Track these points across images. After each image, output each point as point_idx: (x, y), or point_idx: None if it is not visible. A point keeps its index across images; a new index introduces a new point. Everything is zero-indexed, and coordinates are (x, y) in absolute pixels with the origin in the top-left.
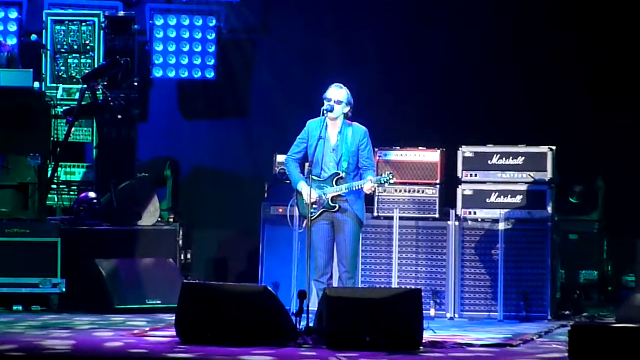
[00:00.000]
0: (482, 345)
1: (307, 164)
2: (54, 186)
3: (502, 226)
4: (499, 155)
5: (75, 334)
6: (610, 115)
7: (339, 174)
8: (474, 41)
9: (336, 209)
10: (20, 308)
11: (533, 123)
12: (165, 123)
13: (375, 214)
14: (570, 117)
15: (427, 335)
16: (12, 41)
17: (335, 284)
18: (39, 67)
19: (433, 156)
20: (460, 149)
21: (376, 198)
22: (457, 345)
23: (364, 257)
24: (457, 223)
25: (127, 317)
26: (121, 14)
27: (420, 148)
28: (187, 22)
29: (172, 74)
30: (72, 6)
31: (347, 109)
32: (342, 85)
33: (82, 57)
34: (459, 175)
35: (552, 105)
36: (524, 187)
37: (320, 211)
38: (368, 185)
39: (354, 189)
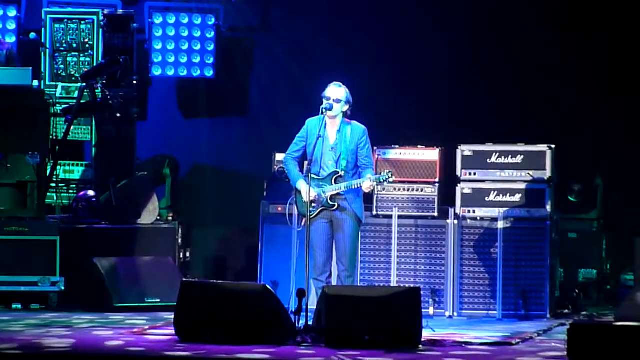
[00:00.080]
0: (481, 344)
1: (306, 163)
2: (53, 184)
3: (501, 225)
4: (497, 154)
5: (74, 332)
6: (609, 114)
7: (338, 173)
8: (474, 40)
9: (335, 207)
10: (19, 306)
11: (532, 121)
12: (164, 121)
13: (374, 213)
14: (569, 116)
15: (426, 334)
16: (10, 39)
17: (334, 282)
18: (38, 65)
19: (432, 155)
20: (459, 147)
21: (375, 196)
22: (456, 344)
23: (363, 256)
24: (456, 221)
25: (126, 315)
26: (120, 12)
27: (419, 146)
28: (185, 21)
29: (171, 72)
30: (71, 4)
31: (346, 108)
32: (340, 84)
33: (81, 55)
34: (458, 173)
35: (550, 104)
36: (522, 186)
37: (319, 209)
38: (367, 183)
39: (353, 187)
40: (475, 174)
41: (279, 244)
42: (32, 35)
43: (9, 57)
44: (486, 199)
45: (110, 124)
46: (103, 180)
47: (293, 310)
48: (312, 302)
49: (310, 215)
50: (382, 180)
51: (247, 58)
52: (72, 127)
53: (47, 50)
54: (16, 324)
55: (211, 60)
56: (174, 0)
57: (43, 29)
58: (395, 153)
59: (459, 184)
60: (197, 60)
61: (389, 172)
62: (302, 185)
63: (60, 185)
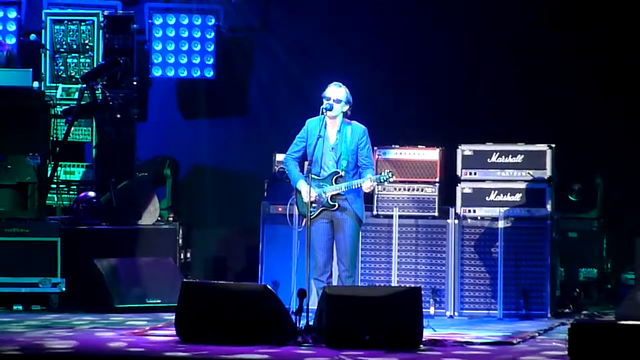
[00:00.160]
0: (481, 343)
1: (306, 163)
2: (54, 185)
3: (501, 224)
4: (498, 154)
5: (75, 334)
6: (608, 113)
7: (338, 173)
8: (474, 40)
9: (335, 207)
10: (20, 307)
11: (532, 121)
12: (164, 122)
13: (375, 213)
14: (569, 116)
15: (427, 334)
16: (11, 41)
17: (334, 282)
18: (38, 66)
19: (432, 154)
20: (460, 147)
21: (375, 196)
22: (457, 343)
23: (364, 256)
24: (456, 221)
25: (126, 316)
26: (120, 13)
27: (419, 146)
28: (185, 21)
29: (171, 73)
30: (71, 5)
31: (346, 108)
32: (341, 84)
33: (81, 56)
34: (458, 173)
35: (550, 104)
36: (523, 185)
37: (320, 210)
38: (367, 183)
39: (353, 187)
40: (475, 173)
41: (280, 244)
42: (32, 36)
43: (9, 58)
44: (486, 198)
45: (111, 125)
46: (103, 181)
47: (294, 311)
48: (313, 303)
49: (310, 216)
50: (382, 180)
51: (247, 58)
52: (72, 128)
53: (48, 52)
54: (17, 325)
55: (211, 61)
56: (174, 1)
57: (43, 30)
58: (396, 153)
59: (459, 184)
60: (197, 61)
61: (389, 172)
62: (302, 185)
63: (60, 186)
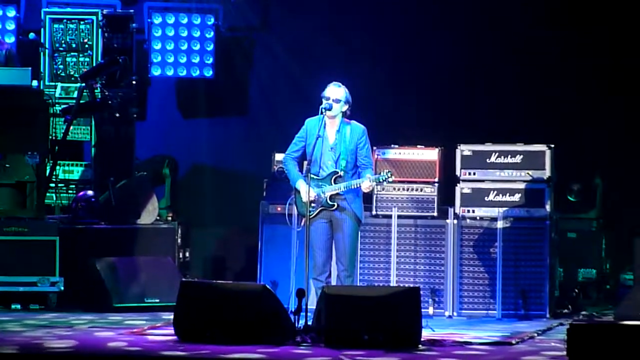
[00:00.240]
0: (480, 343)
1: (305, 163)
2: (52, 184)
3: (500, 224)
4: (497, 154)
5: (73, 333)
6: (608, 113)
7: (337, 173)
8: (473, 40)
9: (334, 207)
10: (19, 307)
11: (531, 121)
12: (163, 121)
13: (374, 212)
14: (568, 116)
15: (426, 334)
16: (10, 39)
17: (333, 282)
18: (37, 65)
19: (431, 154)
20: (459, 147)
21: (374, 196)
22: (456, 344)
23: (362, 256)
24: (455, 221)
25: (125, 315)
26: (119, 12)
27: (418, 146)
28: (185, 21)
29: (170, 73)
30: (70, 4)
31: (345, 108)
32: (340, 84)
33: (80, 55)
34: (457, 173)
35: (550, 104)
36: (522, 186)
37: (319, 209)
38: (366, 183)
39: (352, 187)
40: (474, 173)
41: (279, 244)
42: (32, 35)
43: (8, 57)
44: (485, 198)
45: (110, 124)
46: (102, 181)
47: (292, 310)
48: (312, 302)
49: (309, 215)
50: (381, 180)
51: (247, 58)
52: (71, 127)
53: (47, 51)
54: (15, 324)
55: (210, 60)
56: (173, 0)
57: (42, 29)
58: (395, 153)
59: (458, 184)
60: (196, 60)
61: (389, 171)
62: (301, 185)
63: (59, 185)
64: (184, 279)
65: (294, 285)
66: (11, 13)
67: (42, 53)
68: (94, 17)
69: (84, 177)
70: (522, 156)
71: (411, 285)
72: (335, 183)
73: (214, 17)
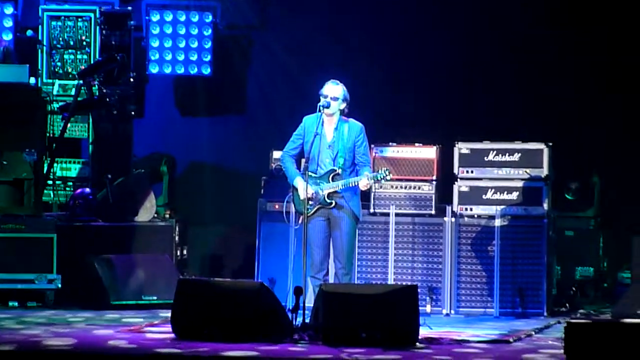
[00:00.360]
0: (478, 341)
1: (303, 160)
2: (50, 182)
3: (498, 222)
4: (495, 152)
5: (71, 330)
6: (606, 112)
7: (335, 170)
8: (471, 38)
9: (332, 205)
10: (16, 304)
11: (529, 119)
12: (161, 119)
13: (371, 210)
14: (566, 114)
15: (423, 331)
16: (7, 37)
17: (331, 280)
18: (35, 62)
19: (429, 152)
20: (456, 145)
21: (372, 194)
22: (453, 341)
23: (360, 253)
24: (453, 219)
25: (122, 313)
26: (117, 9)
27: (416, 144)
28: (183, 18)
29: (168, 70)
30: (68, 1)
31: (343, 105)
32: (338, 82)
33: (78, 52)
34: (455, 171)
35: (548, 102)
36: (519, 184)
37: (316, 207)
38: (364, 181)
39: (350, 185)
40: (472, 171)
41: (276, 242)
42: (29, 32)
43: (6, 54)
44: (483, 196)
45: (107, 121)
46: (100, 178)
47: (290, 308)
48: (309, 300)
49: (307, 213)
50: (379, 178)
51: (245, 56)
52: (69, 125)
53: (44, 48)
54: (13, 322)
55: (208, 58)
56: None
57: (40, 26)
58: (393, 151)
59: (456, 182)
60: (194, 58)
61: (386, 169)
62: (299, 182)
63: (57, 182)
64: (181, 277)
65: (291, 283)
66: (9, 10)
67: (39, 50)
68: (91, 15)
69: (82, 175)
70: (520, 154)
71: (409, 283)
72: (333, 181)
73: (212, 14)
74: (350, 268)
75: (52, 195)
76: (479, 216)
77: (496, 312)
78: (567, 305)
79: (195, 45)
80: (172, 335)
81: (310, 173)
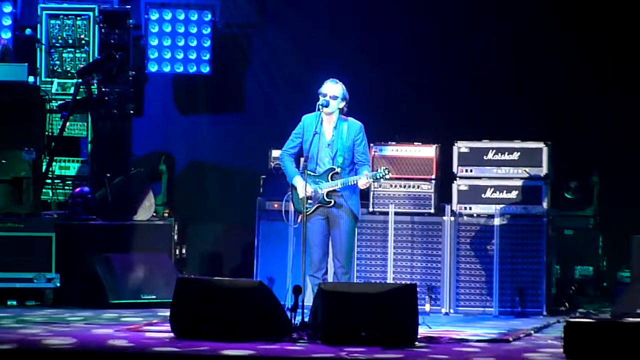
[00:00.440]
0: (477, 341)
1: (302, 159)
2: (49, 181)
3: (497, 221)
4: (494, 151)
5: (70, 329)
6: (605, 111)
7: (334, 169)
8: (470, 37)
9: (331, 204)
10: (15, 303)
11: (528, 118)
12: (160, 118)
13: (371, 209)
14: (565, 113)
15: (422, 331)
16: (6, 35)
17: (330, 279)
18: (34, 61)
19: (428, 151)
20: (456, 144)
21: (371, 193)
22: (452, 341)
23: (359, 252)
24: (452, 218)
25: (121, 312)
26: (116, 8)
27: (415, 143)
28: (182, 17)
29: (167, 69)
30: (67, 0)
31: (342, 104)
32: (337, 80)
33: (77, 51)
34: (454, 170)
35: (547, 101)
36: (519, 183)
37: (315, 206)
38: (363, 180)
39: (349, 184)
40: (471, 170)
41: (275, 241)
42: (28, 31)
43: (5, 52)
44: (482, 195)
45: (106, 120)
46: (99, 177)
47: (289, 307)
48: (308, 299)
49: (306, 212)
50: (378, 177)
51: (244, 54)
52: (67, 123)
53: (43, 46)
54: (11, 321)
55: (207, 57)
56: None
57: (39, 25)
58: (392, 149)
59: (455, 181)
60: (193, 56)
61: (386, 168)
62: (298, 181)
63: (55, 181)
64: (180, 276)
65: (290, 282)
66: (8, 9)
67: (38, 49)
68: (90, 13)
69: (81, 173)
70: (519, 153)
71: (408, 282)
72: (332, 180)
73: (211, 13)
74: (349, 267)
75: (51, 194)
76: (478, 215)
77: (495, 311)
78: (567, 304)
79: (194, 43)
80: (171, 334)
81: (309, 172)
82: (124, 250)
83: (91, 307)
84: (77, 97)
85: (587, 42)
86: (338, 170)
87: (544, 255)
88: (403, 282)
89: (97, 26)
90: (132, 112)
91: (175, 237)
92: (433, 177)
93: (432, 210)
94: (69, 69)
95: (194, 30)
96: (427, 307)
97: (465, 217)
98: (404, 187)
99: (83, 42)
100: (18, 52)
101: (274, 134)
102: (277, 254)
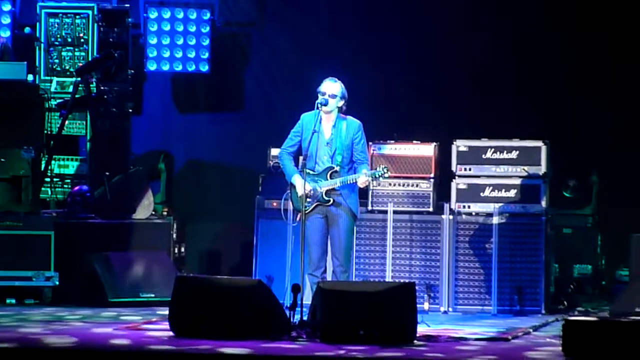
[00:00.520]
0: (475, 339)
1: (301, 158)
2: (48, 179)
3: (496, 220)
4: (493, 149)
5: (69, 328)
6: (605, 111)
7: (333, 168)
8: (470, 37)
9: (330, 202)
10: (14, 301)
11: (527, 117)
12: (159, 116)
13: (369, 208)
14: (564, 112)
15: (421, 329)
16: (5, 34)
17: (329, 277)
18: (33, 59)
19: (427, 150)
20: (454, 142)
21: (370, 192)
22: (451, 339)
23: (358, 251)
24: (451, 217)
25: (120, 310)
26: (115, 6)
27: (414, 142)
28: (181, 15)
29: (166, 67)
30: None
31: (341, 103)
32: (336, 79)
33: (76, 49)
34: (453, 169)
35: (546, 100)
36: (517, 181)
37: (314, 205)
38: (362, 178)
39: (348, 182)
40: (470, 169)
41: (274, 239)
42: (27, 29)
43: (4, 51)
44: (481, 194)
45: (105, 118)
46: (98, 175)
47: (288, 306)
48: (307, 298)
49: (305, 211)
50: (377, 176)
51: (243, 53)
52: (66, 122)
53: (42, 45)
54: (10, 319)
55: (206, 55)
56: None
57: (38, 24)
58: (391, 148)
59: (454, 179)
60: (192, 55)
61: (384, 167)
62: (297, 180)
63: (54, 179)
64: (179, 274)
65: (289, 280)
66: (7, 7)
67: (37, 47)
68: (89, 12)
69: (80, 172)
70: (518, 152)
71: (407, 281)
72: (331, 178)
73: (210, 11)
74: (348, 265)
75: (49, 193)
76: (477, 214)
77: (494, 309)
78: (565, 303)
79: (193, 42)
80: (170, 332)
81: (308, 170)
82: (123, 248)
83: (90, 306)
84: (76, 96)
85: (587, 42)
86: (337, 168)
87: (543, 253)
88: (402, 280)
89: (96, 25)
90: (131, 110)
91: (174, 235)
92: (432, 175)
93: (431, 209)
94: (68, 67)
95: (192, 28)
96: (426, 306)
97: (464, 216)
98: (403, 185)
99: (82, 40)
100: (17, 51)
101: (273, 133)
102: (276, 253)
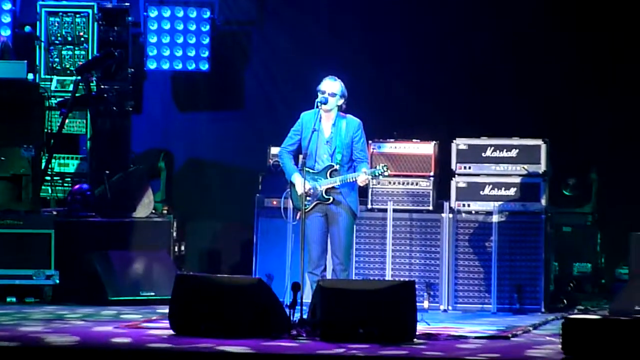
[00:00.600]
0: (475, 337)
1: (300, 156)
2: (48, 178)
3: (495, 218)
4: (492, 148)
5: (69, 326)
6: (605, 110)
7: (333, 166)
8: (470, 37)
9: (330, 201)
10: (14, 300)
11: (527, 115)
12: (159, 115)
13: (369, 206)
14: (564, 110)
15: (421, 327)
16: (5, 33)
17: (328, 275)
18: (33, 58)
19: (427, 148)
20: (454, 141)
21: (370, 190)
22: (451, 337)
23: (358, 249)
24: (450, 215)
25: (120, 309)
26: (115, 5)
27: (414, 140)
28: (181, 14)
29: (165, 66)
30: None
31: (341, 101)
32: (336, 78)
33: (76, 48)
34: (453, 167)
35: (546, 98)
36: (517, 180)
37: (314, 203)
38: (362, 177)
39: (348, 181)
40: (470, 167)
41: (274, 238)
42: (27, 28)
43: (4, 50)
44: (481, 192)
45: (105, 117)
46: (98, 174)
47: (288, 304)
48: (307, 296)
49: (305, 209)
50: (377, 174)
51: (243, 51)
52: (67, 121)
53: (42, 44)
54: (11, 318)
55: (206, 54)
56: None
57: (38, 22)
58: (390, 147)
59: (453, 178)
60: (192, 53)
61: (384, 165)
62: (297, 178)
63: (55, 178)
64: (179, 273)
65: (289, 278)
66: (7, 6)
67: (37, 46)
68: (89, 10)
69: (80, 171)
70: (517, 150)
71: (406, 279)
72: (330, 177)
73: (210, 10)
74: (347, 264)
75: (50, 191)
76: (477, 212)
77: (494, 308)
78: (565, 301)
79: (193, 41)
80: (170, 331)
81: (307, 169)
82: (123, 247)
83: (90, 304)
84: (76, 95)
85: (587, 42)
86: (337, 167)
87: (542, 252)
88: (401, 279)
89: (96, 23)
90: (131, 109)
91: (174, 234)
92: (431, 174)
93: (431, 207)
94: (68, 66)
95: (192, 27)
96: (426, 304)
97: (463, 214)
98: (403, 184)
99: (82, 39)
100: (17, 50)
101: (273, 132)
102: (275, 251)
